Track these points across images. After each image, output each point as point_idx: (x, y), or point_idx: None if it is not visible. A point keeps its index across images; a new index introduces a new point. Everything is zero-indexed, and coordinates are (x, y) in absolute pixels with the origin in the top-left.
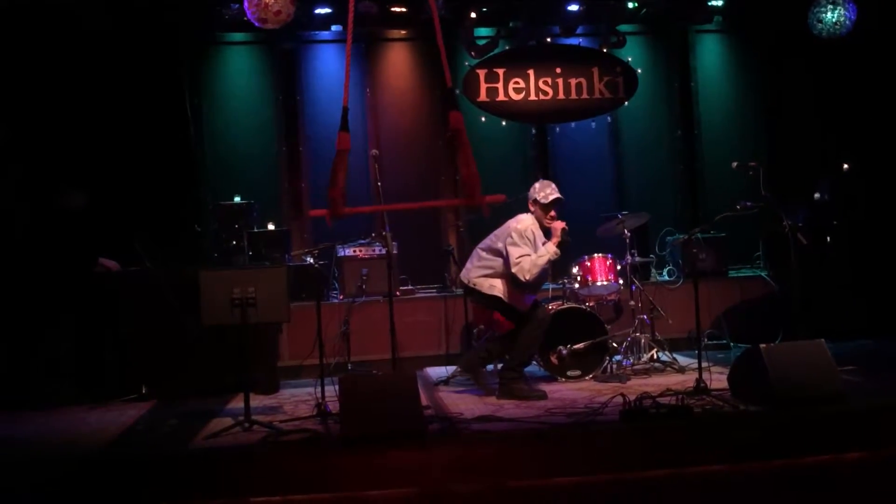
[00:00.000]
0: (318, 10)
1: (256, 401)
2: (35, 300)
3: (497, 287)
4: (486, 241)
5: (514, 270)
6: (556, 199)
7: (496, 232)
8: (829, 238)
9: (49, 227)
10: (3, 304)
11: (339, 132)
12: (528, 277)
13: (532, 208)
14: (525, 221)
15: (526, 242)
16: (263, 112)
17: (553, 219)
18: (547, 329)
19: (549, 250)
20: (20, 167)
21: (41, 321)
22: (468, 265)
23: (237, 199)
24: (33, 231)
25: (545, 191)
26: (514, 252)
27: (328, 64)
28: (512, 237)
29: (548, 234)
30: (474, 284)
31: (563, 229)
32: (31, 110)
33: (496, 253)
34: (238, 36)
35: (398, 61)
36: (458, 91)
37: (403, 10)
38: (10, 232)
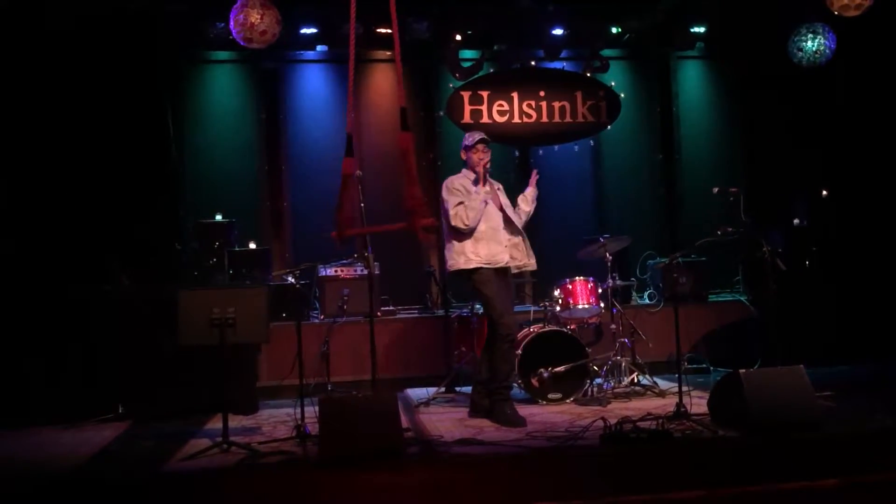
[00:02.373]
0: (304, 30)
1: (235, 421)
2: (8, 318)
3: (459, 258)
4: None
5: (453, 223)
6: (482, 138)
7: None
8: (807, 263)
9: (24, 244)
10: None
11: (345, 157)
12: (467, 223)
13: (465, 158)
14: (451, 179)
15: (454, 193)
16: (246, 131)
17: (483, 160)
18: (512, 339)
19: (479, 195)
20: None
21: (15, 340)
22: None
23: (218, 217)
24: (5, 248)
25: (472, 136)
26: (449, 205)
27: (312, 84)
28: (442, 196)
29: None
30: (452, 268)
31: (486, 167)
32: (13, 126)
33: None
34: (222, 54)
35: (382, 82)
36: (441, 113)
37: (388, 31)
38: None
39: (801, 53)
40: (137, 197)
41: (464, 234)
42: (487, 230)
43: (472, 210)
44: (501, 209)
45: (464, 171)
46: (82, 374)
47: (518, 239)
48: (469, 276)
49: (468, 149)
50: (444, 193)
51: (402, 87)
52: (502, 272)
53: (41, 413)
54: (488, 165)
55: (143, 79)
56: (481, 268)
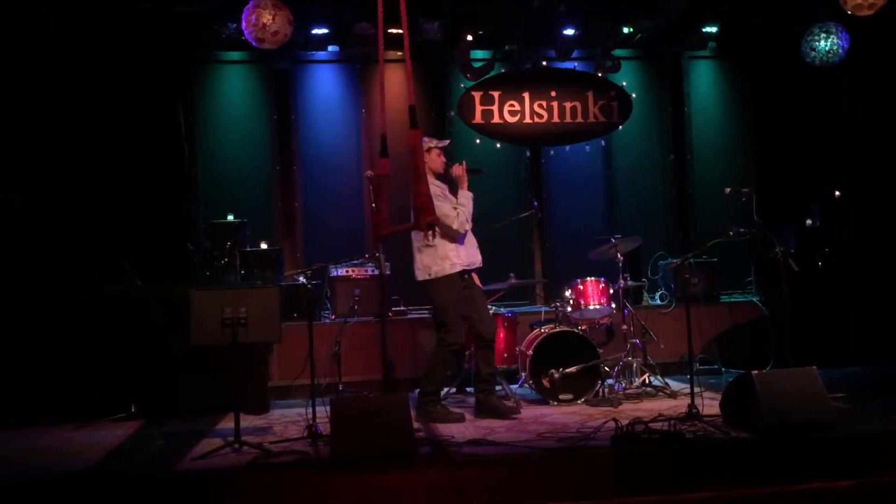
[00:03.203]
0: (315, 31)
1: (246, 421)
2: (23, 319)
3: (444, 263)
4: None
5: (455, 227)
6: (444, 145)
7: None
8: (820, 264)
9: (39, 245)
10: None
11: (380, 158)
12: (466, 227)
13: (426, 161)
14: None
15: (441, 199)
16: (258, 131)
17: (448, 164)
18: (452, 352)
19: (468, 196)
20: (10, 180)
21: (30, 340)
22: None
23: (230, 217)
24: (18, 246)
25: (431, 142)
26: (443, 209)
27: (323, 84)
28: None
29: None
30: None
31: (463, 167)
32: (27, 128)
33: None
34: (234, 55)
35: (394, 82)
36: (452, 112)
37: (400, 31)
38: None
39: (814, 53)
40: (150, 197)
41: (452, 239)
42: (467, 234)
43: (467, 213)
44: None
45: (432, 177)
46: (95, 373)
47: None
48: (428, 286)
49: (431, 150)
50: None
51: (412, 86)
52: (468, 275)
53: (54, 412)
54: (465, 163)
55: (155, 79)
56: (454, 272)
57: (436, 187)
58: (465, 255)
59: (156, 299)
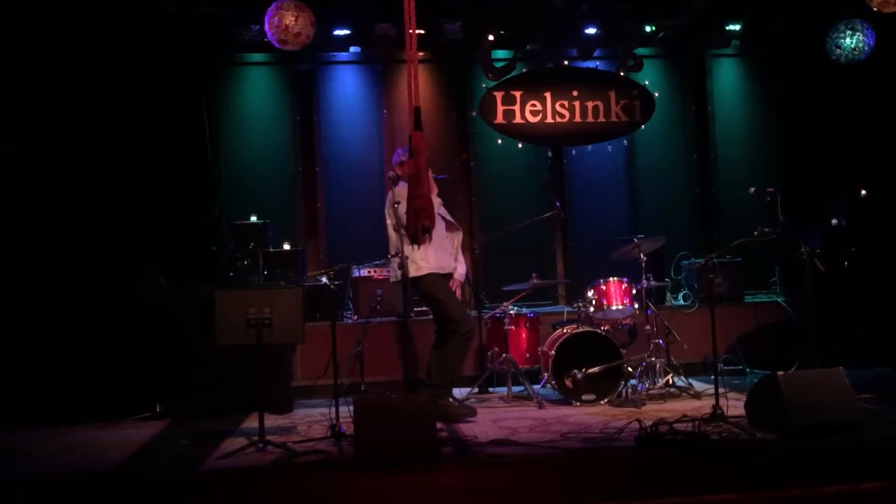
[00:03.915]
0: (337, 32)
1: (270, 421)
2: (51, 319)
3: (423, 263)
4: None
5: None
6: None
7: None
8: (846, 264)
9: (67, 247)
10: (20, 320)
11: (408, 159)
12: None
13: (400, 172)
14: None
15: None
16: (280, 132)
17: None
18: (471, 341)
19: (437, 202)
20: (37, 183)
21: (57, 340)
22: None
23: (253, 218)
24: (46, 249)
25: (404, 156)
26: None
27: (346, 85)
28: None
29: None
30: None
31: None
32: (53, 129)
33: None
34: (257, 56)
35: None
36: (474, 113)
37: (421, 32)
38: (21, 250)
39: (839, 50)
40: (174, 199)
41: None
42: (436, 238)
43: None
44: (443, 218)
45: (402, 184)
46: (121, 373)
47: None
48: (417, 283)
49: (404, 164)
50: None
51: (418, 87)
52: (446, 278)
53: (81, 411)
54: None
55: (179, 82)
56: (431, 273)
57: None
58: (433, 260)
59: (181, 300)
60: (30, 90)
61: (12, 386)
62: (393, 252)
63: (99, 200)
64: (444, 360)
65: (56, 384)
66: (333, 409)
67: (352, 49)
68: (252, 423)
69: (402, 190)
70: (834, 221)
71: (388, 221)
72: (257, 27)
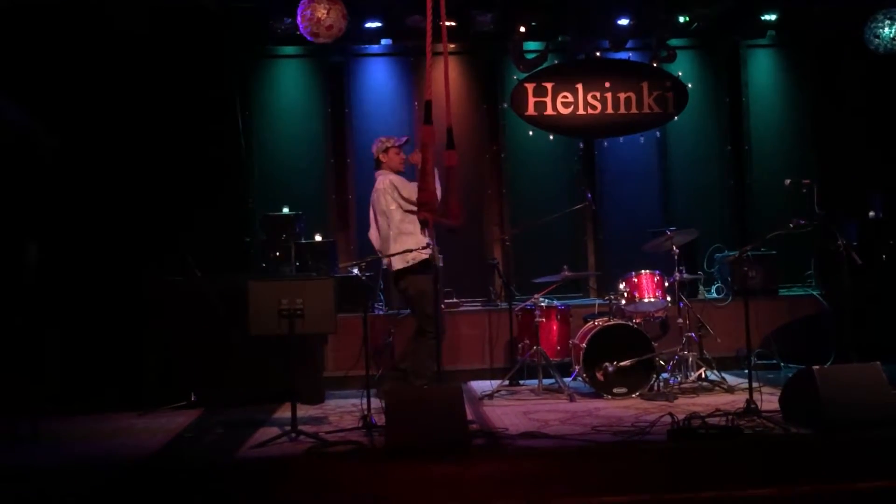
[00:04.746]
0: (369, 24)
1: (302, 411)
2: (87, 309)
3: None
4: (378, 222)
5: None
6: (405, 140)
7: (378, 202)
8: (883, 257)
9: (102, 235)
10: (62, 310)
11: (446, 150)
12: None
13: (384, 160)
14: (398, 179)
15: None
16: (312, 124)
17: (406, 159)
18: (441, 339)
19: None
20: (79, 174)
21: (92, 329)
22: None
23: (285, 209)
24: (87, 239)
25: (389, 141)
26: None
27: (377, 77)
28: (397, 190)
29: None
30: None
31: (419, 155)
32: (94, 121)
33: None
34: (289, 49)
35: (448, 74)
36: (505, 105)
37: (453, 24)
38: (62, 240)
39: (877, 40)
40: (209, 190)
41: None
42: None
43: None
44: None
45: (393, 174)
46: (156, 362)
47: None
48: (405, 275)
49: (394, 153)
50: (402, 192)
51: (430, 80)
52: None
53: (118, 399)
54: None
55: (214, 75)
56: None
57: (401, 180)
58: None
59: (215, 290)
60: (72, 82)
61: (56, 374)
62: (394, 233)
63: (136, 191)
64: (415, 361)
65: (95, 373)
66: (365, 400)
67: (383, 41)
68: (284, 412)
69: (388, 178)
70: (871, 214)
71: (392, 207)
72: (290, 20)
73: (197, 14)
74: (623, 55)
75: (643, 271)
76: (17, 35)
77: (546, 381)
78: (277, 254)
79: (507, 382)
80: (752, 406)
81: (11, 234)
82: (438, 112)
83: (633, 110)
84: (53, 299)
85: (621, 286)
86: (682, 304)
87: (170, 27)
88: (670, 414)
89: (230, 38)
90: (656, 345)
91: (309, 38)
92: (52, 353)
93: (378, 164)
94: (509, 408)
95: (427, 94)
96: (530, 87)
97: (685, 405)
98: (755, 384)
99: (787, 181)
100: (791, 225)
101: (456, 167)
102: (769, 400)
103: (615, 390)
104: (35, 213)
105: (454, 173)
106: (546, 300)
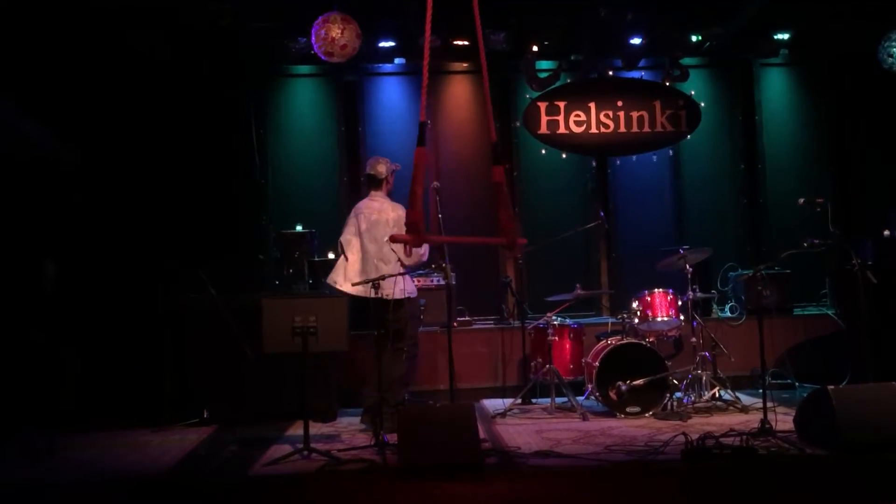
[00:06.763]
0: (382, 44)
1: (314, 428)
2: (103, 327)
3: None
4: (380, 247)
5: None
6: (395, 168)
7: (378, 227)
8: None
9: (119, 252)
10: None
11: (494, 167)
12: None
13: (390, 181)
14: (398, 206)
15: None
16: (326, 143)
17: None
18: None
19: None
20: (97, 190)
21: (106, 347)
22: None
23: (298, 227)
24: (104, 256)
25: (394, 165)
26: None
27: (390, 96)
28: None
29: None
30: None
31: None
32: (112, 138)
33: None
34: (303, 68)
35: (459, 93)
36: (518, 123)
37: (465, 43)
38: (80, 258)
39: (891, 59)
40: (223, 209)
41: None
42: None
43: None
44: None
45: (373, 194)
46: (169, 380)
47: None
48: (404, 303)
49: (393, 173)
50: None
51: (426, 101)
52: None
53: (132, 416)
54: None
55: (229, 94)
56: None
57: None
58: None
59: (229, 308)
60: (91, 101)
61: (72, 390)
62: (394, 262)
63: (152, 208)
64: (393, 384)
65: (111, 389)
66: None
67: (396, 60)
68: (296, 430)
69: (399, 212)
70: (886, 232)
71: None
72: (304, 40)
73: (213, 34)
74: (636, 74)
75: (656, 290)
76: (37, 54)
77: (559, 400)
78: (291, 271)
79: (519, 401)
80: (767, 426)
81: (30, 250)
82: (451, 132)
83: (646, 129)
84: (71, 316)
85: (634, 305)
86: (695, 323)
87: (187, 47)
88: (684, 434)
89: (246, 57)
90: (670, 364)
91: (323, 58)
92: (70, 369)
93: (380, 185)
94: (522, 426)
95: (422, 115)
96: (543, 105)
97: (699, 425)
98: (770, 404)
99: (801, 200)
100: (805, 244)
101: (502, 183)
102: (784, 420)
103: (628, 409)
104: (53, 230)
105: (501, 189)
106: (559, 318)
